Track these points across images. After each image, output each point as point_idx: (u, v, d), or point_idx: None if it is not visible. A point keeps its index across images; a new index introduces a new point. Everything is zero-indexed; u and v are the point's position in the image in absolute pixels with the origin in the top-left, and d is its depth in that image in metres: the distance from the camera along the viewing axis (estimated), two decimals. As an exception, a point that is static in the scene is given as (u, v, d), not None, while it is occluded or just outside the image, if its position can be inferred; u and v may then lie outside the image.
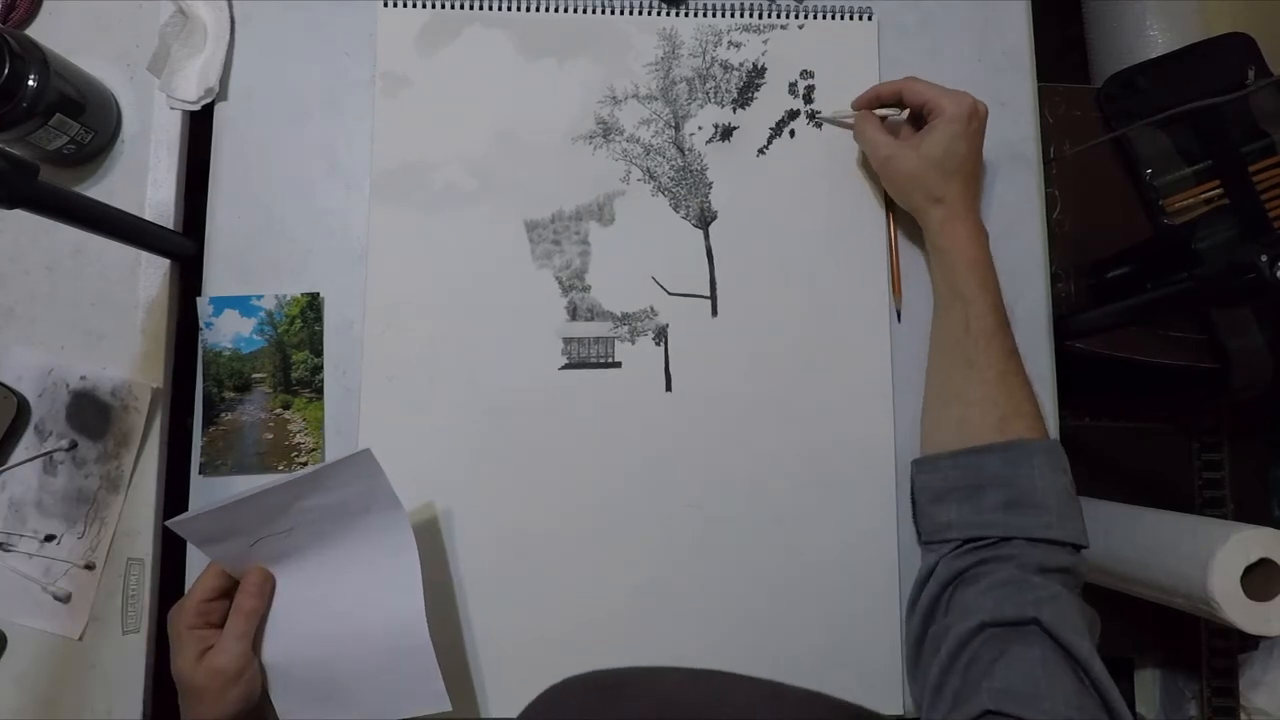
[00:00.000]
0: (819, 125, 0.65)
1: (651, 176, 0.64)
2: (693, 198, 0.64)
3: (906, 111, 0.63)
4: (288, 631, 0.52)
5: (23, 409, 0.62)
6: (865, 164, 0.64)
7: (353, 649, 0.52)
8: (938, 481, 0.57)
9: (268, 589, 0.52)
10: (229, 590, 0.53)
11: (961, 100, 0.58)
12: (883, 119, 0.63)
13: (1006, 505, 0.53)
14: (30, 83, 0.55)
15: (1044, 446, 0.54)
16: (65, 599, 0.60)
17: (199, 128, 0.65)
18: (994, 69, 0.67)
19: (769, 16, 0.66)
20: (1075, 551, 0.53)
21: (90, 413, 0.62)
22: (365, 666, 0.51)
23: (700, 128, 0.65)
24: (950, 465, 0.57)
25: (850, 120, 0.64)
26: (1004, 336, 0.57)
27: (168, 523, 0.51)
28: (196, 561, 0.59)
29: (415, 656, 0.50)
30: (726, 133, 0.65)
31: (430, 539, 0.59)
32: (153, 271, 0.63)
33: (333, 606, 0.52)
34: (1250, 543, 0.64)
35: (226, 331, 0.61)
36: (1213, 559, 0.64)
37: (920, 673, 0.52)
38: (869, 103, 0.63)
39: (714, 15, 0.66)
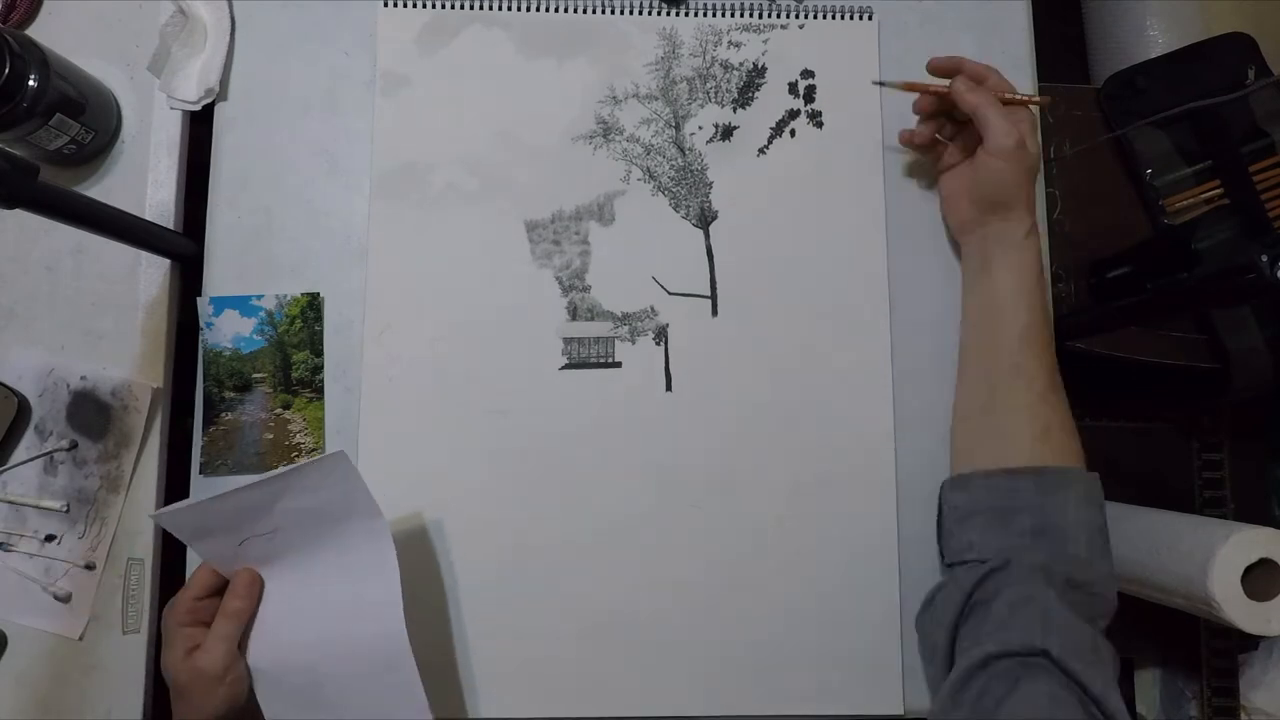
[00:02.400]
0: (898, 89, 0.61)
1: (651, 176, 0.64)
2: (693, 198, 0.64)
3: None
4: (275, 636, 0.52)
5: (23, 409, 0.62)
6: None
7: (337, 658, 0.51)
8: (966, 501, 0.56)
9: (255, 590, 0.52)
10: (222, 589, 0.52)
11: (1010, 133, 0.55)
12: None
13: (1034, 531, 0.51)
14: (30, 83, 0.55)
15: (1082, 477, 0.53)
16: (65, 599, 0.60)
17: (199, 128, 0.65)
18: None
19: (769, 16, 0.66)
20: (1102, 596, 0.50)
21: (90, 413, 0.62)
22: (349, 675, 0.51)
23: (700, 127, 0.65)
24: (983, 485, 0.55)
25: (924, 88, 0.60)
26: (1052, 354, 0.57)
27: (150, 515, 0.51)
28: (196, 562, 0.59)
29: (397, 671, 0.50)
30: (727, 133, 0.65)
31: (429, 538, 0.60)
32: (153, 271, 0.63)
33: (318, 614, 0.52)
34: (1250, 543, 0.64)
35: (226, 331, 0.61)
36: (1213, 559, 0.64)
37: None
38: (950, 71, 0.58)
39: (714, 15, 0.66)
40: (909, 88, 0.61)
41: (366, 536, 0.51)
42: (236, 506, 0.50)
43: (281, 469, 0.49)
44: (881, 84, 0.62)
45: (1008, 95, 0.58)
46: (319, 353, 0.61)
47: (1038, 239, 0.58)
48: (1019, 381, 0.55)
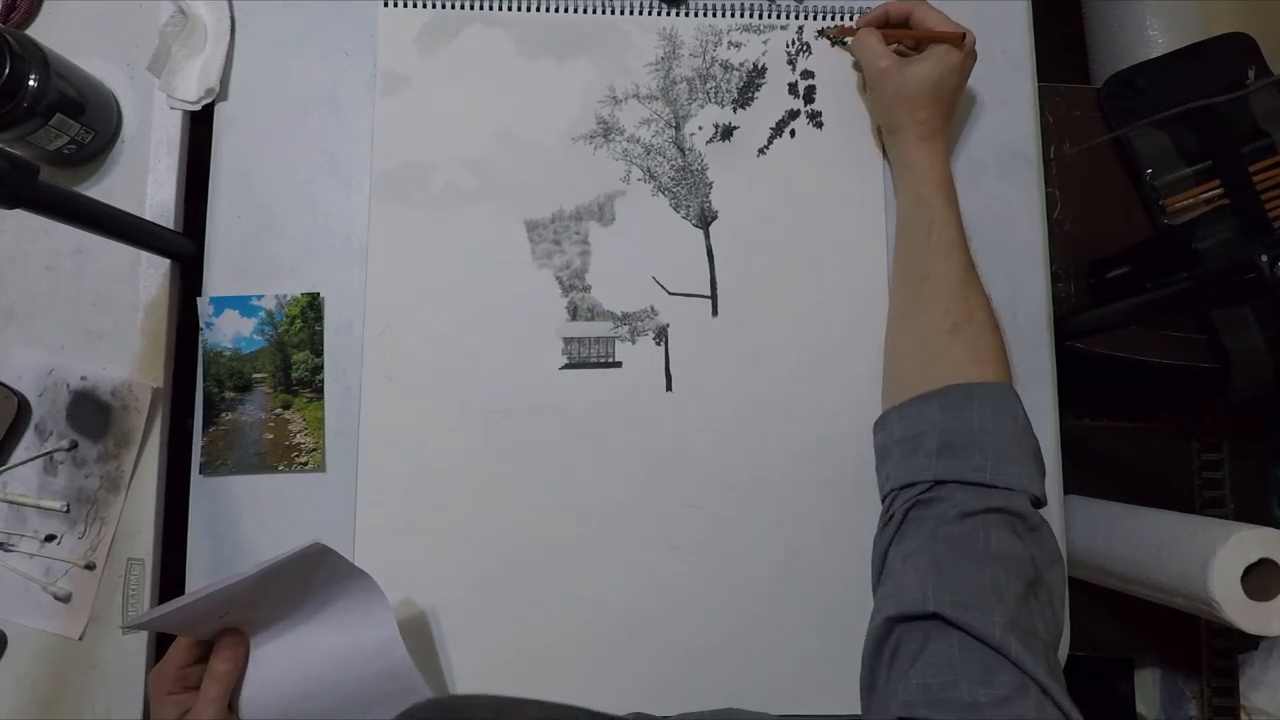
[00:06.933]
0: (828, 40, 0.66)
1: (652, 176, 0.64)
2: (693, 198, 0.64)
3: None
4: (266, 689, 0.50)
5: (23, 409, 0.62)
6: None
7: (336, 704, 0.50)
8: (884, 439, 0.58)
9: (240, 651, 0.50)
10: (207, 653, 0.50)
11: (967, 38, 0.60)
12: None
13: (940, 450, 0.52)
14: (30, 83, 0.55)
15: (987, 389, 0.53)
16: (65, 599, 0.60)
17: (199, 128, 0.65)
18: (994, 69, 0.66)
19: (769, 16, 0.66)
20: (1021, 497, 0.49)
21: (90, 413, 0.62)
22: (353, 710, 0.50)
23: (700, 128, 0.65)
24: (896, 419, 0.57)
25: (849, 32, 0.66)
26: (962, 249, 0.58)
27: (125, 627, 0.50)
28: (196, 562, 0.59)
29: (409, 698, 0.49)
30: (727, 133, 0.65)
31: (428, 538, 0.59)
32: (153, 271, 0.63)
33: (309, 662, 0.51)
34: (1250, 543, 0.64)
35: (227, 331, 0.61)
36: (1213, 559, 0.64)
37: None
38: (875, 20, 0.64)
39: (714, 15, 0.66)
40: (841, 31, 0.66)
41: (355, 596, 0.50)
42: (218, 602, 0.48)
43: (260, 565, 0.47)
44: (820, 34, 0.67)
45: (905, 32, 0.63)
46: (319, 353, 0.61)
47: (932, 148, 0.60)
48: (928, 284, 0.57)
